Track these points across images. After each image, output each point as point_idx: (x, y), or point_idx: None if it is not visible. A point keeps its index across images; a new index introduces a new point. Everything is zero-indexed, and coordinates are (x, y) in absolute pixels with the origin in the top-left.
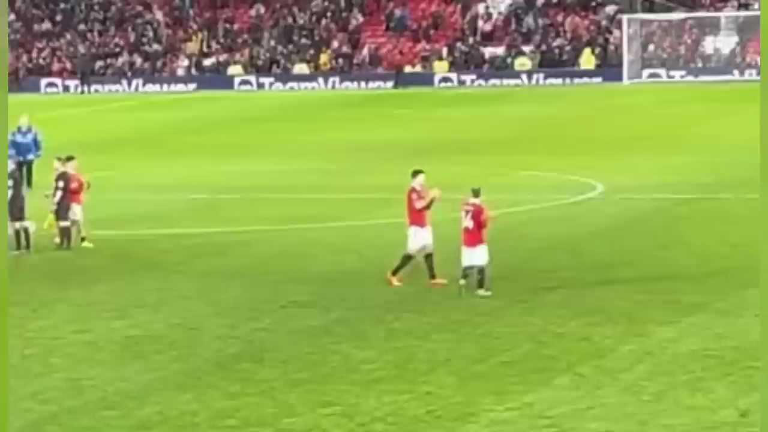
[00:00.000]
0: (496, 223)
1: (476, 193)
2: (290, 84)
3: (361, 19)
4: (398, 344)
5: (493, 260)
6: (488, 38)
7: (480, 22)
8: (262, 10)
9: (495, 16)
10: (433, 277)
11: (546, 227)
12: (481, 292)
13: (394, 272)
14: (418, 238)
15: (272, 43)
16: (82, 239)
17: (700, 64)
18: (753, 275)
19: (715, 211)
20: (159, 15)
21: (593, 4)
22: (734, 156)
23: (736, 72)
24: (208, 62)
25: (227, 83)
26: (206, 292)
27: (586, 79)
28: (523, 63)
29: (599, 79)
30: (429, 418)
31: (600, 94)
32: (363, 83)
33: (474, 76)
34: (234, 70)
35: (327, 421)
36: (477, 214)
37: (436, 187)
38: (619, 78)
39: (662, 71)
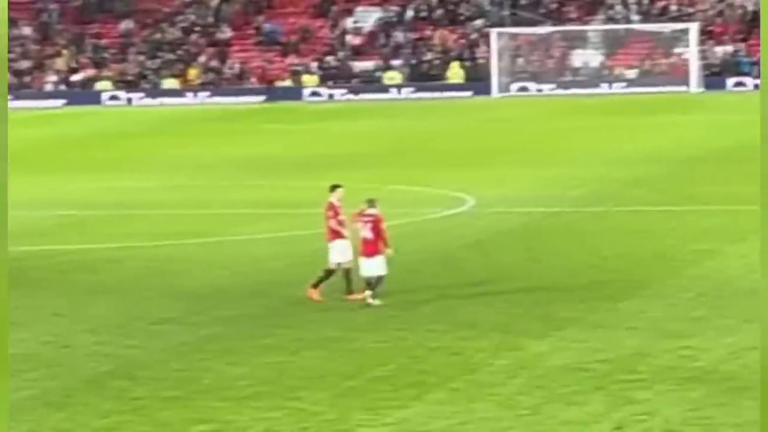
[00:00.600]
0: None
1: (372, 204)
2: (159, 99)
3: (230, 33)
4: (270, 360)
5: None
6: (357, 52)
7: (349, 37)
8: (131, 25)
9: (364, 30)
10: (350, 292)
11: (418, 241)
12: (375, 301)
13: (315, 285)
14: (339, 252)
15: (141, 58)
16: None
17: (568, 78)
18: (625, 288)
19: (586, 224)
20: (26, 31)
21: (462, 18)
22: (603, 169)
23: (604, 85)
24: (76, 78)
25: (96, 99)
26: (77, 309)
27: (455, 93)
28: (392, 77)
29: (469, 93)
30: None
31: (470, 107)
32: (232, 98)
33: (344, 90)
34: (102, 85)
35: None
36: (376, 224)
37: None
38: (489, 91)
39: (531, 84)
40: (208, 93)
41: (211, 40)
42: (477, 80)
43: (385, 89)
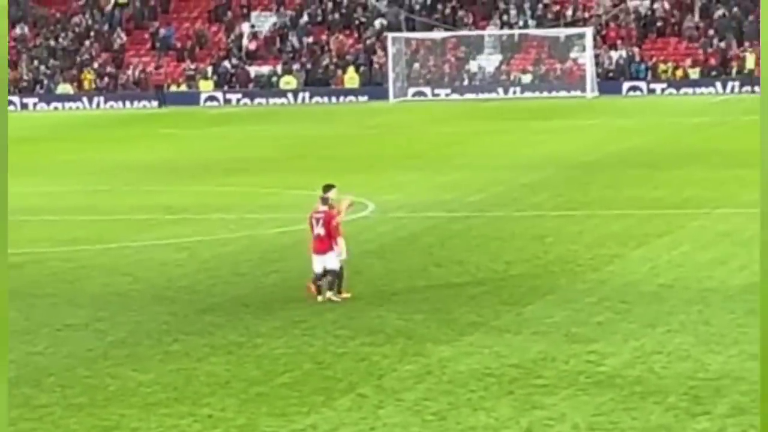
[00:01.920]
0: (270, 244)
1: (325, 201)
2: (54, 104)
3: (125, 38)
4: (177, 366)
5: (268, 281)
6: (253, 57)
7: (245, 41)
8: (24, 30)
9: (260, 35)
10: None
11: None
12: (334, 296)
13: (338, 291)
14: (342, 249)
15: (35, 63)
16: None
17: (465, 83)
18: (529, 293)
19: (487, 229)
20: None
21: (357, 23)
22: (502, 174)
23: (500, 90)
24: None
25: None
26: None
27: (351, 98)
28: (288, 82)
29: (365, 98)
30: None
31: (366, 112)
32: (128, 103)
33: (240, 95)
34: None
35: None
36: (328, 221)
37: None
38: (385, 96)
39: (427, 89)
40: (102, 98)
41: (105, 45)
42: (373, 85)
43: (281, 94)
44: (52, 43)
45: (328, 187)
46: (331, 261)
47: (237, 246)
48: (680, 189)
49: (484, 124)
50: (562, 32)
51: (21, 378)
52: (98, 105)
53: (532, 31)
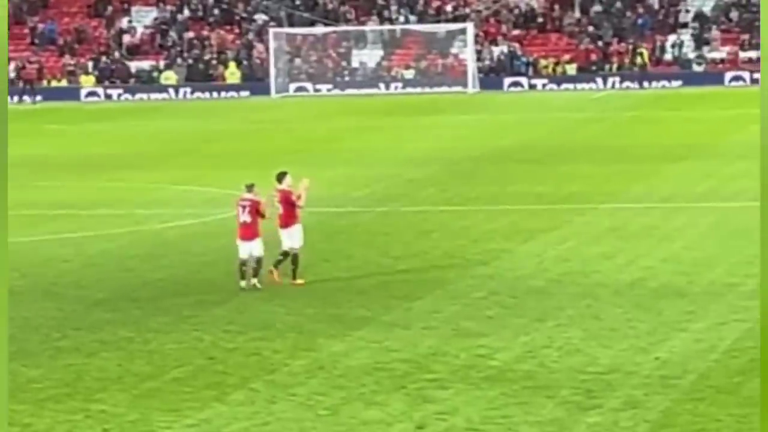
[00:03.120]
0: (157, 239)
1: (250, 188)
2: None
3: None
4: (67, 362)
5: (156, 276)
6: (134, 52)
7: (125, 36)
8: None
9: (140, 30)
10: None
11: (207, 241)
12: (255, 281)
13: (275, 265)
14: (298, 236)
15: None
16: None
17: (346, 78)
18: (417, 288)
19: (374, 225)
20: None
21: (238, 18)
22: (386, 169)
23: (381, 85)
24: None
25: None
26: None
27: (233, 93)
28: (168, 77)
29: (246, 93)
30: None
31: (248, 107)
32: (8, 98)
33: (121, 91)
34: None
35: None
36: (254, 208)
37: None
38: (267, 92)
39: (309, 85)
40: None
41: None
42: (255, 80)
43: (162, 89)
44: None
45: (282, 175)
46: (257, 248)
47: (123, 241)
48: (565, 184)
49: (366, 120)
50: (443, 28)
51: None
52: None
53: (414, 27)
